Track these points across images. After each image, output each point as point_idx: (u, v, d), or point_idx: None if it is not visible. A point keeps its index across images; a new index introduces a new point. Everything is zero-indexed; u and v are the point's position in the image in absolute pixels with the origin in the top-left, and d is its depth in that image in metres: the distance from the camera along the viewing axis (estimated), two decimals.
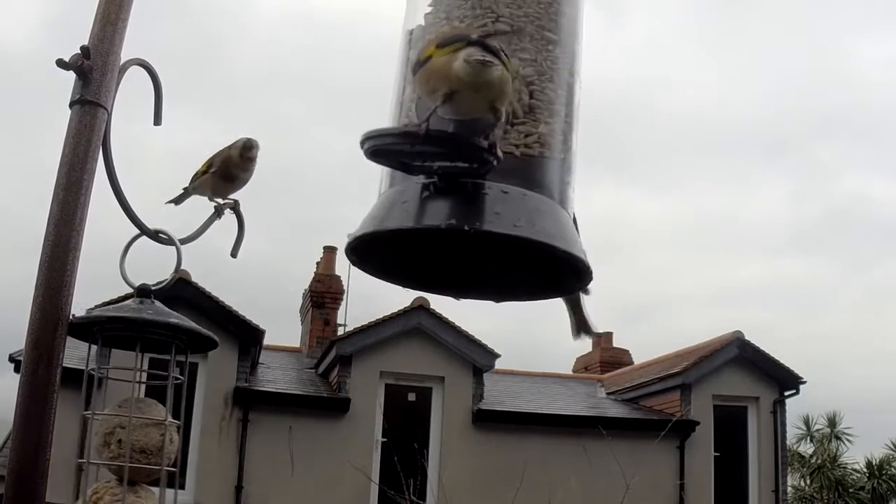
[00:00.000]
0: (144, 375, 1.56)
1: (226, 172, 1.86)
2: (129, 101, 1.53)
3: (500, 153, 1.33)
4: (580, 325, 1.72)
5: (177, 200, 2.02)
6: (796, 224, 46.19)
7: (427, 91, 1.34)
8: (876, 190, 45.66)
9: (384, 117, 1.50)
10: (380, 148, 1.35)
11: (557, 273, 1.49)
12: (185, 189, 1.98)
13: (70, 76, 1.43)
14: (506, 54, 1.31)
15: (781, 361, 14.28)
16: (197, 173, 1.92)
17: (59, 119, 1.45)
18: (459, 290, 1.61)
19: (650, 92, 47.02)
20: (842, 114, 50.60)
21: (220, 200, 1.86)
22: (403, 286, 1.58)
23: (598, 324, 1.81)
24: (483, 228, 1.33)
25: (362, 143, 1.35)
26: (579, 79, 1.54)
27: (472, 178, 1.36)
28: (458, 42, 1.30)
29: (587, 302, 1.72)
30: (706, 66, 50.24)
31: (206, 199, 1.88)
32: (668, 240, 47.35)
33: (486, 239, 1.36)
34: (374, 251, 1.47)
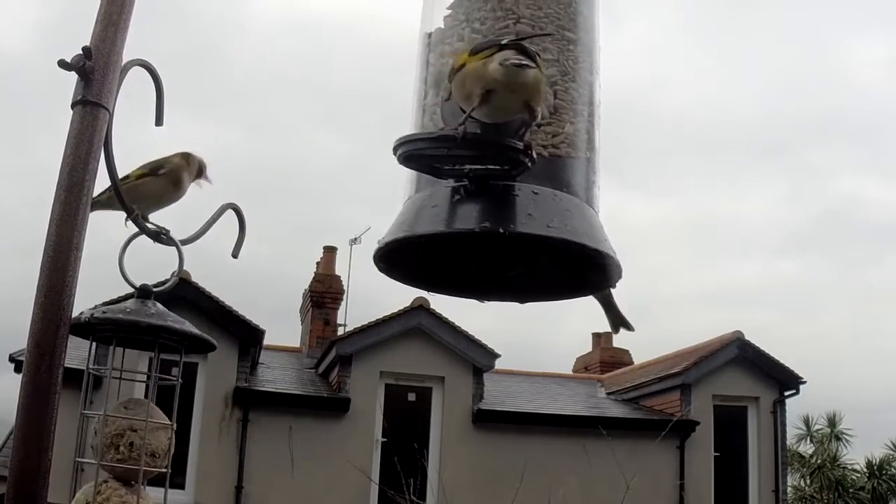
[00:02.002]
0: (145, 377, 1.56)
1: (177, 178, 1.79)
2: (130, 102, 1.52)
3: (534, 154, 1.32)
4: (617, 320, 1.75)
5: None
6: (795, 224, 46.21)
7: (463, 95, 1.32)
8: (871, 191, 45.72)
9: (384, 117, 1.49)
10: (413, 153, 1.34)
11: (584, 271, 1.48)
12: (92, 201, 1.66)
13: (71, 77, 1.42)
14: (540, 57, 1.31)
15: (781, 361, 14.29)
16: (131, 176, 1.73)
17: (61, 120, 1.45)
18: (483, 292, 1.59)
19: (648, 93, 47.02)
20: (838, 115, 50.63)
21: (152, 223, 1.61)
22: (429, 291, 1.58)
23: (603, 324, 1.84)
24: (517, 230, 1.32)
25: (395, 148, 1.34)
26: (599, 77, 1.53)
27: (502, 180, 1.34)
28: (491, 48, 1.30)
29: (617, 298, 1.74)
30: (704, 67, 50.26)
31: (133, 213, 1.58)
32: (667, 240, 47.34)
33: (520, 241, 1.34)
34: (401, 257, 1.45)
